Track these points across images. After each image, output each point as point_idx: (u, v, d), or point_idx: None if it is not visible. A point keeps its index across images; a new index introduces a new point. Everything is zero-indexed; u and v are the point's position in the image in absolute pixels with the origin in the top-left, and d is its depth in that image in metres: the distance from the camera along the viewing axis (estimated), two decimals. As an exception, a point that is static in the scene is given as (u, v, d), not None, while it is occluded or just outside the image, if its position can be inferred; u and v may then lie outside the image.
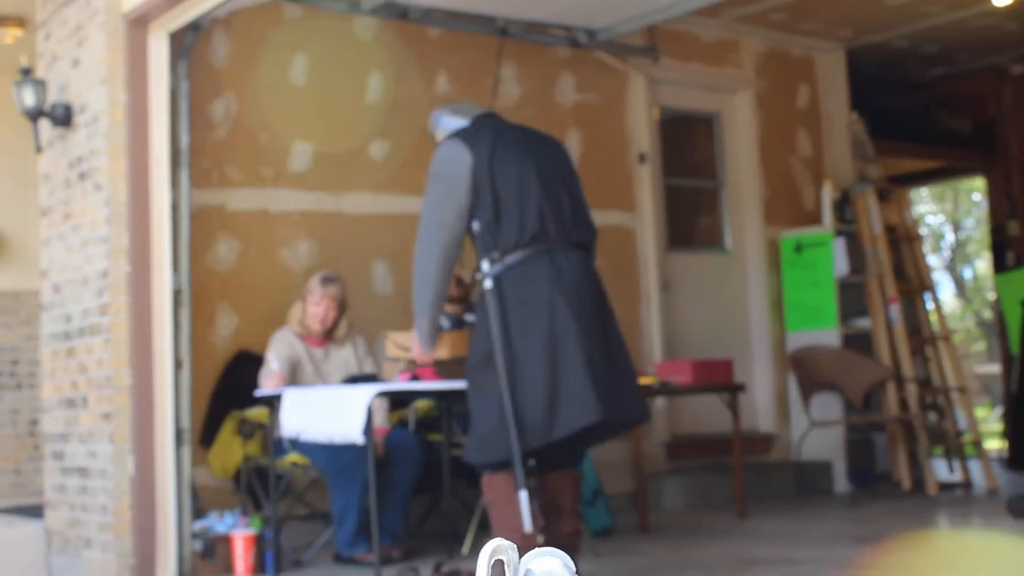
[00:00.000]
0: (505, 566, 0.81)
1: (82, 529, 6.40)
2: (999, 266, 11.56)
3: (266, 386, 6.13)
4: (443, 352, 5.57)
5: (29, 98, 6.54)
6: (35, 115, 6.60)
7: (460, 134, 4.84)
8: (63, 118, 6.54)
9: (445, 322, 5.34)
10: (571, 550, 4.74)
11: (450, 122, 5.00)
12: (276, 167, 7.11)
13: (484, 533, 6.39)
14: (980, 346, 21.15)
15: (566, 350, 4.55)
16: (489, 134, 4.82)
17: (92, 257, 6.32)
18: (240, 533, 6.10)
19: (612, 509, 7.12)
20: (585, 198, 5.01)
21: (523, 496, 4.49)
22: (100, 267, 6.22)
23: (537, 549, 0.83)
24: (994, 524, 7.08)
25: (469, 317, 5.19)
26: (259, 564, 6.10)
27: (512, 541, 0.81)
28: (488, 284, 4.67)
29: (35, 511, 7.11)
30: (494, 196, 4.69)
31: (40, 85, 6.57)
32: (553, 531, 4.75)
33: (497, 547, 0.80)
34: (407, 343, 5.75)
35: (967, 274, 21.95)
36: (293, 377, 6.27)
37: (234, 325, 6.83)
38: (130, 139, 6.18)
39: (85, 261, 6.39)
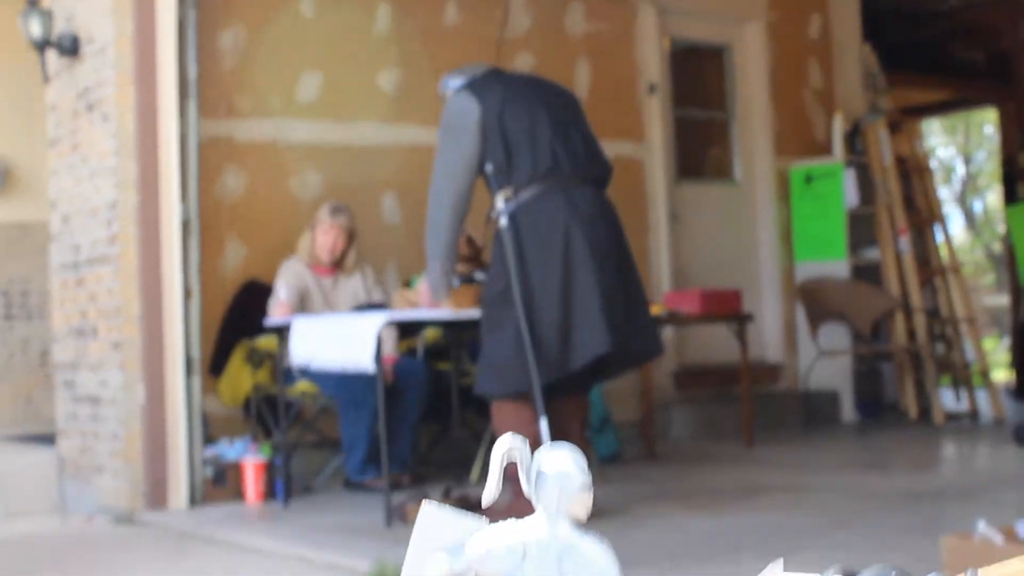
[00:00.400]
0: (518, 464, 0.82)
1: (94, 456, 6.46)
2: (1010, 198, 11.52)
3: (275, 315, 6.15)
4: (451, 306, 5.59)
5: (36, 28, 6.51)
6: (42, 45, 6.57)
7: (468, 85, 4.88)
8: (70, 48, 6.52)
9: (455, 280, 5.38)
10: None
11: (457, 82, 5.01)
12: (284, 98, 7.09)
13: (493, 461, 6.42)
14: (989, 278, 21.13)
15: (581, 283, 4.58)
16: (497, 84, 4.86)
17: (100, 188, 6.32)
18: (250, 460, 6.16)
19: (620, 437, 7.17)
20: (595, 136, 5.02)
21: (543, 424, 4.54)
22: (108, 198, 6.23)
23: (548, 445, 0.84)
24: (1000, 452, 7.12)
25: (479, 275, 5.22)
26: (270, 491, 6.16)
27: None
28: (503, 221, 4.69)
29: (47, 439, 7.17)
30: (504, 140, 4.71)
31: (46, 15, 6.54)
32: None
33: (510, 446, 0.81)
34: (415, 299, 5.78)
35: (977, 207, 21.88)
36: (302, 307, 6.29)
37: (243, 255, 6.85)
38: (137, 69, 6.16)
39: (93, 192, 6.40)
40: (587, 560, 0.80)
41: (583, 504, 0.81)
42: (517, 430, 4.66)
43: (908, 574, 1.00)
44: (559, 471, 0.82)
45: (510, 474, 0.83)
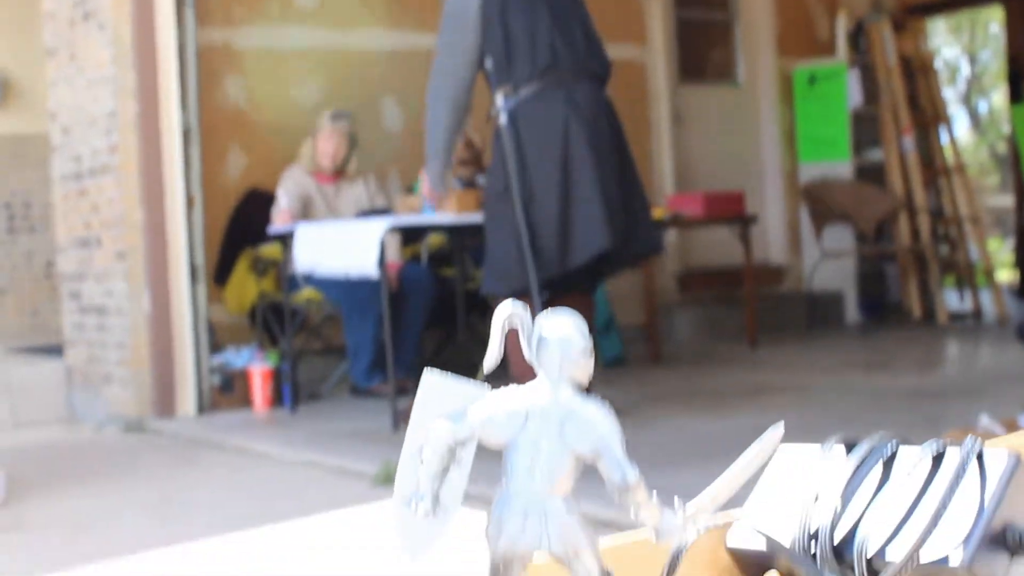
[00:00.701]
0: (519, 330, 0.82)
1: (101, 366, 6.49)
2: (1015, 97, 11.42)
3: (278, 223, 6.15)
4: (453, 207, 5.57)
5: (29, -65, 6.44)
6: (36, -48, 6.50)
7: None
8: (64, -45, 6.45)
9: (456, 183, 5.35)
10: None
11: None
12: (282, 3, 7.02)
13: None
14: (993, 179, 21.05)
15: (580, 180, 4.56)
16: None
17: (99, 97, 6.28)
18: (257, 368, 6.20)
19: (624, 340, 7.19)
20: (598, 32, 4.96)
21: None
22: (107, 107, 6.20)
23: (551, 311, 0.84)
24: (1003, 350, 7.15)
25: (480, 179, 5.20)
26: (277, 398, 6.20)
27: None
28: (503, 119, 4.65)
29: (55, 351, 7.21)
30: (505, 31, 4.65)
31: (39, -79, 6.46)
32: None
33: (512, 313, 0.81)
34: (418, 205, 5.76)
35: (982, 108, 21.73)
36: (305, 214, 6.29)
37: (244, 164, 6.83)
38: (133, -25, 6.09)
39: (92, 102, 6.36)
40: (589, 424, 0.80)
41: (585, 369, 0.81)
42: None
43: (909, 440, 1.01)
44: (560, 336, 0.82)
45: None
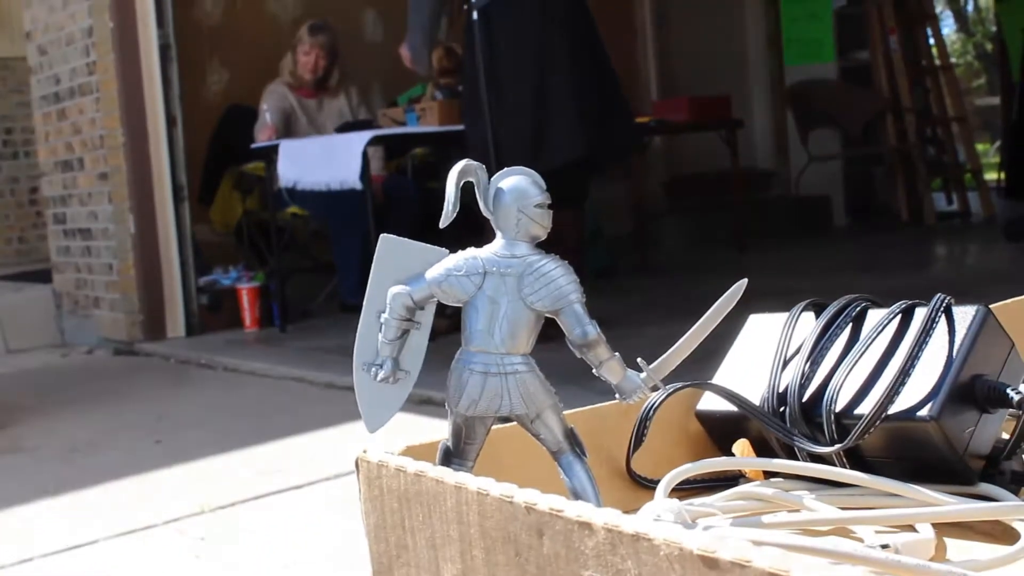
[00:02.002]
0: (475, 186, 0.81)
1: (89, 289, 6.48)
2: (1002, -6, 11.32)
3: (260, 139, 6.10)
4: (435, 121, 5.51)
5: None
6: None
7: None
8: None
9: (437, 93, 5.27)
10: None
11: None
12: (257, -85, 6.92)
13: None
14: (980, 81, 20.95)
15: (555, 84, 4.51)
16: None
17: (75, 15, 6.20)
18: (245, 286, 6.18)
19: (612, 249, 7.18)
20: None
21: None
22: (84, 25, 6.12)
23: (508, 170, 0.83)
24: (990, 249, 7.16)
25: (462, 88, 5.12)
26: (267, 317, 6.19)
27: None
28: (474, 15, 4.59)
29: (43, 276, 7.19)
30: None
31: None
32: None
33: (465, 167, 0.79)
34: (400, 117, 5.70)
35: (969, 6, 21.57)
36: (287, 130, 6.24)
37: (225, 80, 6.76)
38: None
39: (68, 19, 6.28)
40: (548, 279, 0.79)
41: (542, 223, 0.80)
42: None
43: (878, 302, 1.00)
44: (516, 189, 0.81)
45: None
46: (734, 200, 7.39)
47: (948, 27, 20.53)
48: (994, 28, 15.51)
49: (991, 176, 9.91)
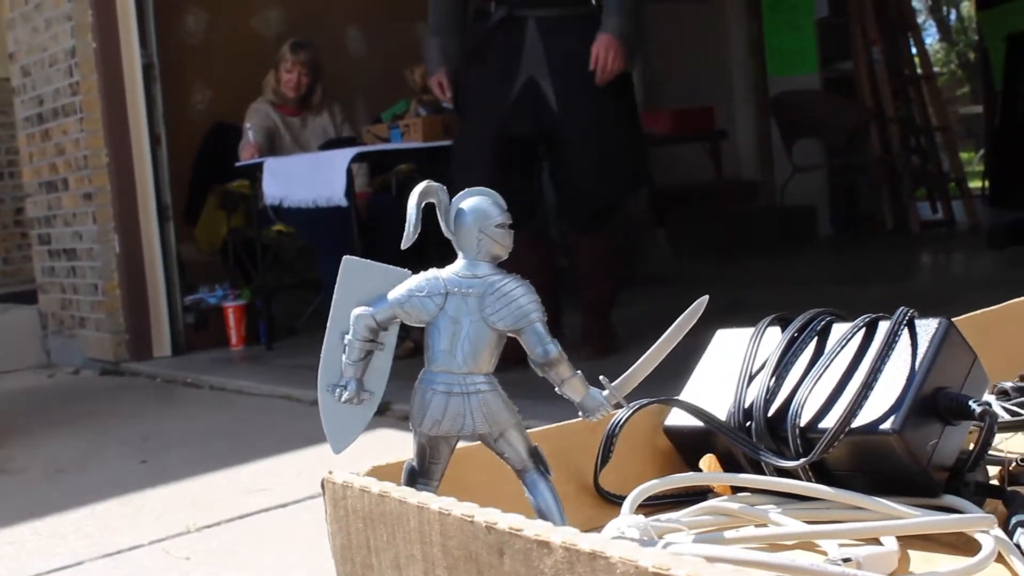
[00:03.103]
0: (437, 207, 0.81)
1: (75, 310, 6.47)
2: (984, 4, 11.37)
3: (244, 157, 6.10)
4: (419, 138, 5.51)
5: None
6: None
7: None
8: None
9: (421, 110, 5.26)
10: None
11: None
12: (238, -67, 6.93)
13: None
14: (964, 90, 21.03)
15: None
16: None
17: (58, 36, 6.21)
18: (231, 304, 6.18)
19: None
20: None
21: None
22: (67, 45, 6.12)
23: (469, 190, 0.83)
24: (975, 257, 7.18)
25: (446, 104, 5.11)
26: (253, 335, 6.19)
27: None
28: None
29: (28, 297, 7.18)
30: None
31: None
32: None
33: (426, 188, 0.80)
34: (384, 133, 5.70)
35: (951, 16, 21.67)
36: (271, 148, 6.24)
37: (209, 98, 6.77)
38: (85, -90, 6.00)
39: (51, 40, 6.28)
40: (509, 298, 0.80)
41: (502, 243, 0.81)
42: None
43: (842, 316, 1.00)
44: (477, 209, 0.81)
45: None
46: (719, 211, 7.40)
47: (931, 37, 20.65)
48: (976, 37, 15.59)
49: (975, 184, 9.94)
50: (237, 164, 6.08)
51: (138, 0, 6.01)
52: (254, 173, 5.95)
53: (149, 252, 6.12)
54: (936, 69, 11.23)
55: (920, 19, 15.35)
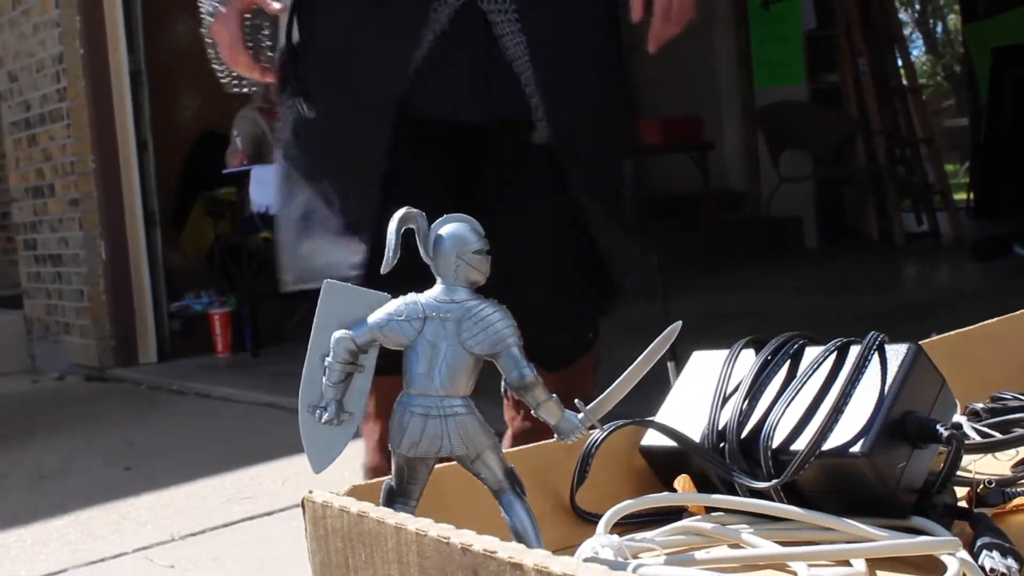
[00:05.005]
0: (415, 232, 0.83)
1: (60, 315, 6.47)
2: (970, 17, 11.42)
3: (231, 164, 6.11)
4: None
5: None
6: None
7: None
8: (3, -102, 6.34)
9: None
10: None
11: None
12: (228, -58, 6.92)
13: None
14: (950, 101, 21.12)
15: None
16: None
17: (46, 41, 6.21)
18: (217, 311, 6.18)
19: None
20: None
21: None
22: (54, 51, 6.13)
23: (448, 216, 0.85)
24: (959, 269, 7.21)
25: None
26: (239, 342, 6.19)
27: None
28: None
29: (13, 302, 7.17)
30: None
31: None
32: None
33: (406, 215, 0.81)
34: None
35: (937, 28, 21.76)
36: (259, 155, 6.25)
37: (197, 105, 6.77)
38: (74, -84, 6.00)
39: (39, 46, 6.29)
40: (486, 322, 0.82)
41: (480, 269, 0.83)
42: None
43: (815, 339, 1.02)
44: (455, 236, 0.83)
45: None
46: (705, 222, 7.42)
47: (917, 49, 20.74)
48: (962, 50, 15.64)
49: (960, 196, 9.98)
50: (224, 171, 6.09)
51: (126, 6, 6.02)
52: (241, 180, 5.96)
53: (135, 258, 6.12)
54: (922, 81, 11.28)
55: (906, 31, 15.42)
